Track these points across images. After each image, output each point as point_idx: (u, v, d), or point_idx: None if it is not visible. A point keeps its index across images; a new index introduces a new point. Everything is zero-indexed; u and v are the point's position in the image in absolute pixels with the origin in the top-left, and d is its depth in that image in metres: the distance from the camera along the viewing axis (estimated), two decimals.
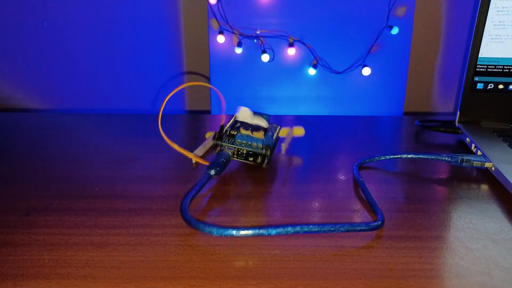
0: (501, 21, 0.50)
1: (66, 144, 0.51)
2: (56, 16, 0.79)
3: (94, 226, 0.34)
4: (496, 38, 0.51)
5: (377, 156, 0.46)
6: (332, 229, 0.32)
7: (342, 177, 0.43)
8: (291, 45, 0.76)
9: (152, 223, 0.35)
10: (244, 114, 0.45)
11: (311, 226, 0.32)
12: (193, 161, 0.46)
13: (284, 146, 0.48)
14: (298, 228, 0.32)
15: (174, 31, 0.80)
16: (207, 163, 0.43)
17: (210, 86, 0.45)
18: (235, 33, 0.77)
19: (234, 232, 0.31)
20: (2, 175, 0.43)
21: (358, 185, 0.40)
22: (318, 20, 0.77)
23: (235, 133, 0.44)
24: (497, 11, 0.50)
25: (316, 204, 0.38)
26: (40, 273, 0.29)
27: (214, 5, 0.75)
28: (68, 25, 0.79)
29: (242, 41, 0.77)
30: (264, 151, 0.43)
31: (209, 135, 0.51)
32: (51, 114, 0.63)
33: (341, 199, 0.39)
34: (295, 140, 0.53)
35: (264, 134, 0.45)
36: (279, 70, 0.80)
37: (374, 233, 0.33)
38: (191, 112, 0.84)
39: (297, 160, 0.47)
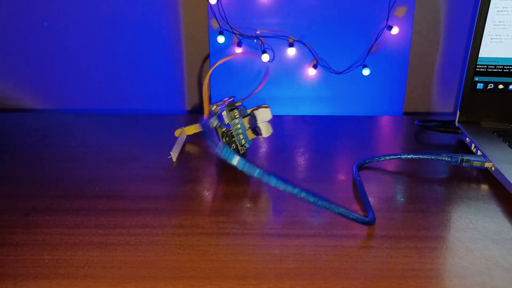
0: (501, 21, 0.50)
1: (66, 144, 0.51)
2: (56, 16, 0.79)
3: (94, 226, 0.34)
4: (496, 38, 0.51)
5: (377, 157, 0.46)
6: (328, 206, 0.32)
7: (342, 177, 0.43)
8: (291, 45, 0.76)
9: (152, 223, 0.35)
10: (265, 114, 0.45)
11: (310, 195, 0.31)
12: (173, 160, 0.46)
13: (262, 128, 0.47)
14: (296, 190, 0.30)
15: (174, 31, 0.80)
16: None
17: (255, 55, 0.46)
18: (235, 33, 0.77)
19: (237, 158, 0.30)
20: (2, 175, 0.43)
21: (356, 185, 0.40)
22: (318, 20, 0.77)
23: (229, 130, 0.45)
24: (497, 11, 0.50)
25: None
26: (40, 273, 0.29)
27: (214, 5, 0.75)
28: (68, 25, 0.79)
29: (242, 41, 0.77)
30: (244, 144, 0.45)
31: (178, 132, 0.51)
32: (51, 114, 0.63)
33: (340, 199, 0.39)
34: (295, 140, 0.53)
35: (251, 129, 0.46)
36: (279, 70, 0.80)
37: (374, 233, 0.33)
38: (191, 112, 0.84)
39: (296, 160, 0.47)
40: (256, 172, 0.30)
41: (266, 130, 0.45)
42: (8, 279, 0.28)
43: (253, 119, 0.45)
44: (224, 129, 0.46)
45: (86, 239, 0.32)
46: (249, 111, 0.52)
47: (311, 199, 0.31)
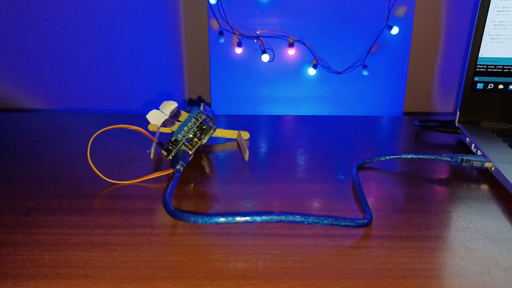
0: (501, 21, 0.50)
1: (66, 144, 0.51)
2: (56, 16, 0.79)
3: (94, 226, 0.34)
4: (496, 38, 0.51)
5: (377, 157, 0.46)
6: (316, 221, 0.32)
7: (342, 178, 0.43)
8: (291, 45, 0.76)
9: (152, 223, 0.35)
10: (156, 117, 0.45)
11: (296, 216, 0.32)
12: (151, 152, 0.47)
13: (246, 153, 0.47)
14: (282, 217, 0.32)
15: (174, 31, 0.80)
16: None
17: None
18: (235, 33, 0.77)
19: (220, 219, 0.31)
20: (2, 175, 0.43)
21: (354, 185, 0.40)
22: (318, 20, 0.77)
23: (173, 138, 0.44)
24: (497, 11, 0.50)
25: (316, 204, 0.38)
26: (40, 273, 0.29)
27: (214, 5, 0.75)
28: (68, 25, 0.79)
29: (242, 41, 0.77)
30: (199, 119, 0.44)
31: (153, 126, 0.52)
32: (51, 114, 0.63)
33: (340, 200, 0.39)
34: (295, 140, 0.53)
35: (188, 111, 0.46)
36: (279, 70, 0.80)
37: (373, 233, 0.33)
38: None
39: (296, 160, 0.47)
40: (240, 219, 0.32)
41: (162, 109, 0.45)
42: (8, 279, 0.28)
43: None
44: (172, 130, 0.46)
45: (86, 239, 0.32)
46: (231, 133, 0.52)
47: (298, 219, 0.32)
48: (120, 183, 0.41)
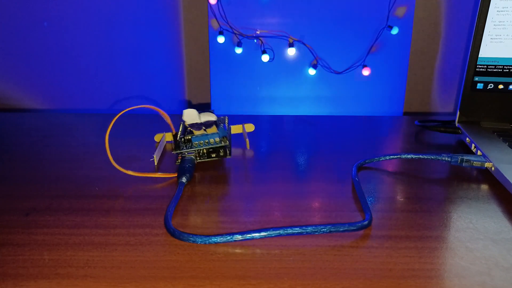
0: (501, 21, 0.50)
1: (66, 144, 0.51)
2: (56, 16, 0.79)
3: (94, 226, 0.34)
4: (496, 38, 0.51)
5: (377, 157, 0.46)
6: (314, 230, 0.33)
7: (342, 178, 0.43)
8: (291, 45, 0.76)
9: (152, 223, 0.35)
10: (191, 115, 0.45)
11: (294, 229, 0.32)
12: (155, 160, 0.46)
13: (247, 141, 0.50)
14: (280, 231, 0.32)
15: (174, 31, 0.80)
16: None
17: None
18: (235, 33, 0.77)
19: (218, 239, 0.32)
20: (2, 175, 0.43)
21: (354, 186, 0.40)
22: (318, 20, 0.77)
23: (190, 137, 0.44)
24: (497, 11, 0.50)
25: (316, 204, 0.38)
26: (40, 273, 0.29)
27: (214, 5, 0.75)
28: (68, 25, 0.79)
29: (242, 41, 0.77)
30: (223, 142, 0.44)
31: (159, 137, 0.51)
32: (51, 114, 0.63)
33: (340, 200, 0.39)
34: (295, 140, 0.53)
35: (217, 127, 0.46)
36: (279, 70, 0.80)
37: (373, 233, 0.33)
38: None
39: (297, 160, 0.47)
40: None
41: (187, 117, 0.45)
42: (8, 279, 0.28)
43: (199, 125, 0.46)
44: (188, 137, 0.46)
45: (86, 239, 0.32)
46: (236, 127, 0.53)
47: (296, 230, 0.32)
48: (126, 172, 0.41)
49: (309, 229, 0.33)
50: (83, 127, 0.58)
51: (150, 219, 0.35)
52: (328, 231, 0.33)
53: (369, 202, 0.38)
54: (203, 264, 0.30)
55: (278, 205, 0.38)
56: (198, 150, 0.44)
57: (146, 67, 0.82)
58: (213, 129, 0.46)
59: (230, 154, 0.45)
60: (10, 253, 0.31)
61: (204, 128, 0.45)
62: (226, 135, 0.45)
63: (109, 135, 0.54)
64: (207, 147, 0.44)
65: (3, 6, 0.77)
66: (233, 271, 0.29)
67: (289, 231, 0.32)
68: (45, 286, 0.28)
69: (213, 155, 0.45)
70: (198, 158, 0.45)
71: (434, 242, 0.32)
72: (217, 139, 0.44)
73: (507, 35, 0.51)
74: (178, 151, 0.44)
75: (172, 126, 0.46)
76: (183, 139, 0.44)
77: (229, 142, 0.45)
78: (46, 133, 0.55)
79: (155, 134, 0.53)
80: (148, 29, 0.79)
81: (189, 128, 0.45)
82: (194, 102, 0.85)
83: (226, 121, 0.50)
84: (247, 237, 0.32)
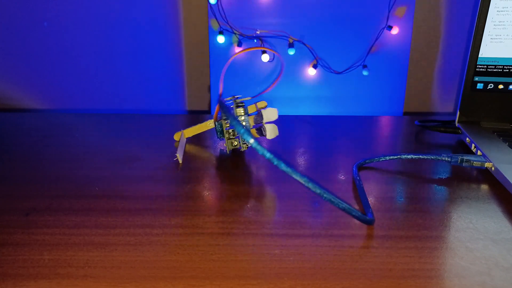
0: (501, 21, 0.50)
1: (66, 144, 0.51)
2: (56, 16, 0.79)
3: (94, 226, 0.34)
4: (496, 38, 0.51)
5: (377, 157, 0.46)
6: (333, 200, 0.31)
7: (342, 177, 0.43)
8: (291, 45, 0.76)
9: (152, 223, 0.35)
10: (274, 128, 0.45)
11: (317, 186, 0.31)
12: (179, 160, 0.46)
13: (267, 129, 0.47)
14: (304, 179, 0.31)
15: (174, 31, 0.80)
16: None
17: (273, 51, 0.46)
18: (235, 33, 0.77)
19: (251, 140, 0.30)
20: (2, 175, 0.43)
21: (356, 185, 0.40)
22: (318, 20, 0.77)
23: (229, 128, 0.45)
24: (497, 11, 0.50)
25: (316, 204, 0.38)
26: (40, 273, 0.29)
27: (214, 5, 0.75)
28: (68, 25, 0.79)
29: (242, 41, 0.77)
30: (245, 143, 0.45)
31: (178, 135, 0.51)
32: (51, 114, 0.63)
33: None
34: (295, 140, 0.53)
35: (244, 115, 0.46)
36: (279, 70, 0.80)
37: (374, 233, 0.33)
38: (191, 112, 0.84)
39: (297, 160, 0.47)
40: (267, 155, 0.30)
41: (271, 133, 0.45)
42: (8, 279, 0.28)
43: (259, 118, 0.45)
44: (227, 124, 0.46)
45: (86, 239, 0.33)
46: (250, 107, 0.52)
47: (318, 190, 0.31)
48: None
49: (328, 195, 0.31)
50: (83, 127, 0.58)
51: (150, 219, 0.35)
52: (342, 207, 0.32)
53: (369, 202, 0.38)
54: (203, 264, 0.30)
55: (278, 205, 0.38)
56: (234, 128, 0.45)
57: (146, 67, 0.82)
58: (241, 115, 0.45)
59: (238, 146, 0.46)
60: (10, 253, 0.31)
61: (256, 118, 0.45)
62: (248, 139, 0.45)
63: (109, 135, 0.54)
64: (241, 129, 0.44)
65: (3, 6, 0.77)
66: (233, 271, 0.29)
67: (311, 185, 0.31)
68: (45, 286, 0.28)
69: (233, 138, 0.46)
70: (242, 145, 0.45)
71: (434, 242, 0.32)
72: (250, 141, 0.45)
73: (507, 35, 0.51)
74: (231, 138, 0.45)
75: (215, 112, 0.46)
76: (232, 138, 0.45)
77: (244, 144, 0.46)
78: (46, 133, 0.55)
79: (175, 133, 0.52)
80: (148, 29, 0.79)
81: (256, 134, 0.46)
82: (194, 102, 0.85)
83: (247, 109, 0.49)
84: (274, 162, 0.30)
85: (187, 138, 0.53)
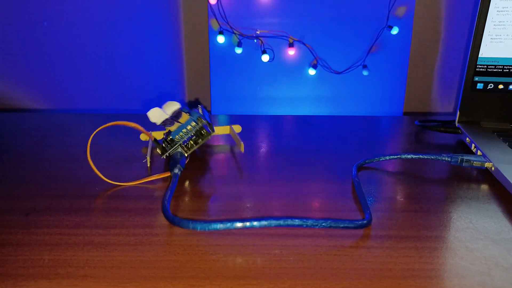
0: (501, 21, 0.50)
1: (66, 144, 0.51)
2: (56, 16, 0.79)
3: (94, 226, 0.34)
4: (496, 38, 0.51)
5: (377, 157, 0.46)
6: (315, 224, 0.32)
7: (342, 178, 0.43)
8: (291, 45, 0.76)
9: (152, 223, 0.35)
10: (156, 115, 0.44)
11: (294, 220, 0.32)
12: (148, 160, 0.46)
13: (241, 144, 0.47)
14: (281, 221, 0.32)
15: (174, 31, 0.80)
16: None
17: None
18: (235, 33, 0.77)
19: (219, 225, 0.31)
20: (2, 175, 0.43)
21: (354, 185, 0.40)
22: (318, 20, 0.77)
23: (170, 137, 0.44)
24: (497, 11, 0.50)
25: (316, 204, 0.38)
26: (40, 273, 0.29)
27: (214, 5, 0.75)
28: (68, 25, 0.79)
29: (242, 41, 0.77)
30: (199, 123, 0.44)
31: (144, 136, 0.51)
32: (51, 114, 0.63)
33: (340, 200, 0.39)
34: (295, 140, 0.53)
35: (188, 113, 0.45)
36: (279, 70, 0.80)
37: (373, 233, 0.33)
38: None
39: (297, 160, 0.47)
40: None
41: (154, 115, 0.43)
42: (8, 279, 0.28)
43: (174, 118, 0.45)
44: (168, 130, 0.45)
45: (86, 239, 0.32)
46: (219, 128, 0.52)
47: (296, 223, 0.32)
48: (119, 185, 0.41)
49: (310, 222, 0.33)
50: (83, 127, 0.58)
51: (150, 219, 0.35)
52: (328, 225, 0.33)
53: (369, 202, 0.38)
54: (203, 264, 0.30)
55: (278, 205, 0.38)
56: (183, 144, 0.44)
57: (146, 67, 0.82)
58: (185, 116, 0.45)
59: (212, 129, 0.45)
60: (10, 253, 0.31)
61: (176, 120, 0.45)
62: (199, 115, 0.44)
63: (109, 135, 0.54)
64: (189, 135, 0.44)
65: (3, 6, 0.77)
66: (233, 271, 0.29)
67: (289, 222, 0.32)
68: (45, 286, 0.28)
69: (199, 140, 0.44)
70: (187, 151, 0.44)
71: (434, 242, 0.32)
72: (193, 123, 0.44)
73: (507, 35, 0.51)
74: (166, 154, 0.43)
75: (147, 133, 0.44)
76: (165, 142, 0.44)
77: (206, 120, 0.45)
78: (46, 133, 0.55)
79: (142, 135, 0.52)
80: (148, 29, 0.79)
81: (167, 129, 0.45)
82: (191, 103, 0.85)
83: (199, 107, 0.49)
84: (247, 225, 0.32)
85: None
